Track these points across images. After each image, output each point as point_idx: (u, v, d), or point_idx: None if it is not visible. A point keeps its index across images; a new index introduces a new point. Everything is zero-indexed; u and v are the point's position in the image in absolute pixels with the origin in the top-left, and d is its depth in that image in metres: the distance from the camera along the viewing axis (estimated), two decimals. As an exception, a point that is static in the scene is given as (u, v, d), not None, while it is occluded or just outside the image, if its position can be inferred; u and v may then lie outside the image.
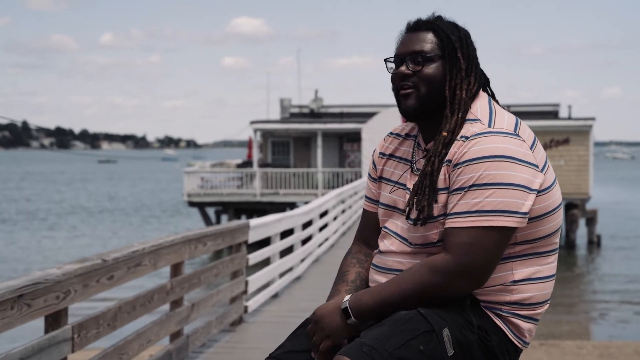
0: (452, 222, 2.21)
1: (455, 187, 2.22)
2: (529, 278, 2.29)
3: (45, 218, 42.73)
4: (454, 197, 2.21)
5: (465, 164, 2.21)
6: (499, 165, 2.18)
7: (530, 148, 2.25)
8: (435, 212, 2.26)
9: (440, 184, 2.27)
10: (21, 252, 29.11)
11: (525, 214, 2.20)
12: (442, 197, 2.26)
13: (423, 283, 2.21)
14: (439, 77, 2.32)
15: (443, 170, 2.27)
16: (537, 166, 2.23)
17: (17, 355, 3.57)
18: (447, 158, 2.27)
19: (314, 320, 2.30)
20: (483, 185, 2.18)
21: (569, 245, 28.63)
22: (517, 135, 2.25)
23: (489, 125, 2.26)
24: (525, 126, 2.31)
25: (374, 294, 2.26)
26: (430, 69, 2.32)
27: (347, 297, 2.29)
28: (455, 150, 2.25)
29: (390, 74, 2.39)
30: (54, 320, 3.99)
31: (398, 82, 2.36)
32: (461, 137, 2.26)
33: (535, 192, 2.22)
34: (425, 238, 2.29)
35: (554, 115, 34.61)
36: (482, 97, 2.37)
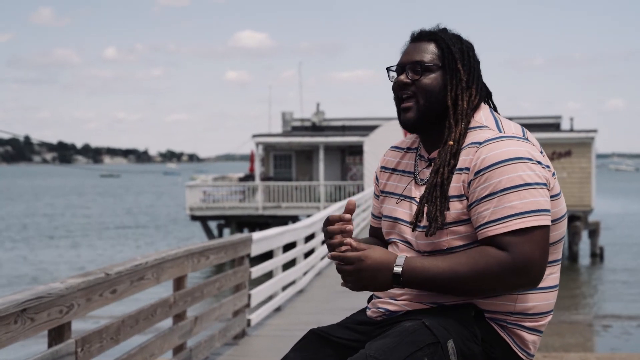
0: (495, 229, 2.17)
1: (485, 193, 2.19)
2: (532, 288, 2.28)
3: (84, 233, 42.62)
4: (486, 204, 2.19)
5: (488, 170, 2.20)
6: (523, 167, 2.19)
7: (541, 153, 2.29)
8: (447, 220, 2.26)
9: (454, 191, 2.26)
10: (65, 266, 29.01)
11: (550, 211, 2.21)
12: (455, 205, 2.25)
13: (477, 268, 2.15)
14: (437, 87, 2.33)
15: (457, 178, 2.26)
16: (549, 168, 2.28)
17: (20, 369, 3.57)
18: (461, 166, 2.26)
19: (360, 258, 2.21)
20: (514, 187, 2.17)
21: (571, 257, 28.59)
22: (527, 140, 2.28)
23: (499, 131, 2.28)
24: (530, 134, 2.34)
25: (426, 268, 2.19)
26: (429, 79, 2.33)
27: (401, 261, 2.22)
28: (471, 157, 2.24)
29: (392, 83, 2.41)
30: (58, 334, 3.99)
31: (398, 91, 2.38)
32: (472, 143, 2.26)
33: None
34: (434, 245, 2.28)
35: (555, 127, 34.63)
36: (484, 108, 2.39)
